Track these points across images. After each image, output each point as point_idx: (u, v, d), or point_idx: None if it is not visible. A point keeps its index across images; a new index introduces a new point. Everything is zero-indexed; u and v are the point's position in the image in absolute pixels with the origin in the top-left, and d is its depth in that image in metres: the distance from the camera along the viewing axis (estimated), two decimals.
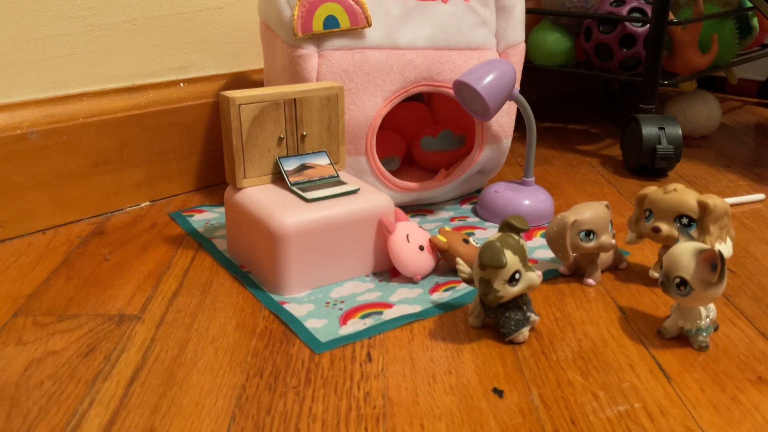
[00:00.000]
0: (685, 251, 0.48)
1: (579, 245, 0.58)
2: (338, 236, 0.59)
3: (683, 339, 0.51)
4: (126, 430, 0.42)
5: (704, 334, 0.49)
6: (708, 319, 0.49)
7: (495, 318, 0.51)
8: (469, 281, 0.52)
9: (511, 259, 0.48)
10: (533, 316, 0.51)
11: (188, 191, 0.85)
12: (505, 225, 0.50)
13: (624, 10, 0.95)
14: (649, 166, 0.89)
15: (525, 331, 0.50)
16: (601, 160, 0.98)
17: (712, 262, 0.46)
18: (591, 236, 0.58)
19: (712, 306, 0.49)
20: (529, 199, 0.73)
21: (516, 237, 0.50)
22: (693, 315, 0.49)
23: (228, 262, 0.64)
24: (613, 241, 0.59)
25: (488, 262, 0.48)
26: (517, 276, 0.49)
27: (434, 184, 0.76)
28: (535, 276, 0.50)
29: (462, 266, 0.52)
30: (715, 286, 0.47)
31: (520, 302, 0.51)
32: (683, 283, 0.47)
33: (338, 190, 0.61)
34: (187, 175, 0.84)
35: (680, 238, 0.50)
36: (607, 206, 0.59)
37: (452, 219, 0.76)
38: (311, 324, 0.54)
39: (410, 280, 0.61)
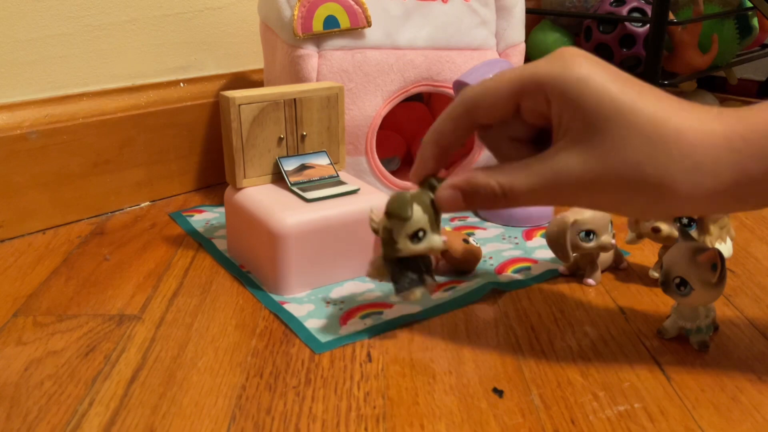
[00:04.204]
0: (685, 251, 0.48)
1: (579, 245, 0.58)
2: (338, 236, 0.59)
3: (683, 339, 0.51)
4: (126, 430, 0.42)
5: (704, 334, 0.49)
6: (708, 319, 0.49)
7: (392, 273, 0.49)
8: (375, 231, 0.50)
9: (418, 215, 0.46)
10: (430, 280, 0.49)
11: (188, 191, 0.85)
12: (425, 183, 0.48)
13: (624, 10, 0.95)
14: None
15: (417, 292, 0.48)
16: None
17: (712, 262, 0.46)
18: (591, 236, 0.58)
19: (712, 306, 0.49)
20: None
21: (432, 196, 0.47)
22: (693, 315, 0.49)
23: (228, 262, 0.65)
24: (613, 241, 0.59)
25: (393, 211, 0.46)
26: (420, 234, 0.47)
27: None
28: (438, 239, 0.47)
29: (373, 215, 0.50)
30: (715, 286, 0.47)
31: (420, 263, 0.49)
32: (683, 283, 0.47)
33: (338, 190, 0.61)
34: (187, 175, 0.84)
35: (680, 238, 0.50)
36: None
37: (452, 219, 0.76)
38: (311, 324, 0.54)
39: None
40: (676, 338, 0.51)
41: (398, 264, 0.49)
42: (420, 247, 0.47)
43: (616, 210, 0.42)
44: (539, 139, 0.44)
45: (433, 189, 0.47)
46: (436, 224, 0.48)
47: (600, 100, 0.38)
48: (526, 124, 0.43)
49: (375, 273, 0.51)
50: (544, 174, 0.40)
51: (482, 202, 0.43)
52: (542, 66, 0.40)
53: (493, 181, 0.42)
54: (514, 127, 0.44)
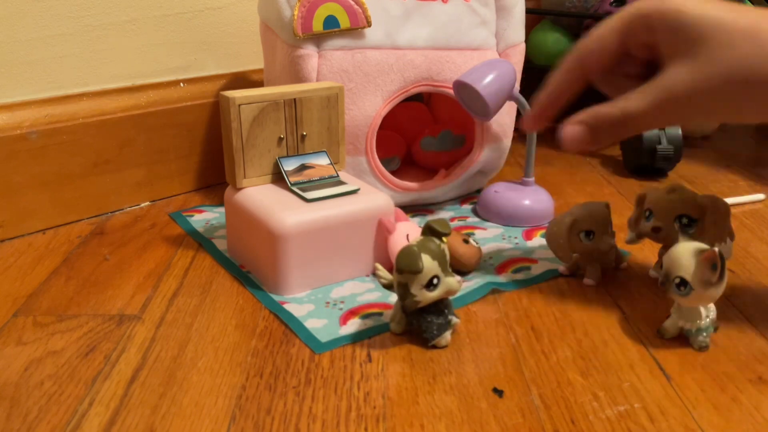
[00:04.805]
0: (685, 251, 0.48)
1: (579, 245, 0.58)
2: (338, 236, 0.59)
3: (683, 339, 0.51)
4: (126, 430, 0.42)
5: (704, 334, 0.49)
6: (708, 319, 0.49)
7: (417, 323, 0.50)
8: (389, 286, 0.51)
9: (429, 263, 0.48)
10: (454, 320, 0.51)
11: (188, 191, 0.85)
12: (426, 229, 0.50)
13: None
14: (649, 166, 0.89)
15: (447, 335, 0.50)
16: (601, 160, 0.98)
17: (713, 262, 0.46)
18: (591, 236, 0.58)
19: (712, 306, 0.49)
20: (529, 199, 0.73)
21: (437, 241, 0.49)
22: (693, 315, 0.49)
23: (228, 262, 0.65)
24: (613, 241, 0.59)
25: (404, 266, 0.47)
26: (435, 281, 0.48)
27: (434, 184, 0.76)
28: (454, 281, 0.49)
29: (381, 272, 0.51)
30: (715, 286, 0.47)
31: (441, 306, 0.50)
32: (683, 283, 0.47)
33: (338, 190, 0.61)
34: (187, 175, 0.84)
35: (680, 238, 0.50)
36: (607, 206, 0.59)
37: (452, 219, 0.76)
38: (311, 324, 0.54)
39: None
40: (676, 338, 0.51)
41: (420, 313, 0.50)
42: (437, 293, 0.49)
43: (732, 116, 0.44)
44: (651, 75, 0.46)
45: (434, 233, 0.49)
46: (446, 266, 0.49)
47: (698, 17, 0.41)
48: (636, 61, 0.46)
49: (398, 328, 0.52)
50: (659, 93, 0.43)
51: (606, 132, 0.46)
52: (642, 2, 0.44)
53: (614, 109, 0.45)
54: (626, 66, 0.47)
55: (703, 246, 0.48)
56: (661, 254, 0.60)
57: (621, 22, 0.45)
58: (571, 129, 0.47)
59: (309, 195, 0.59)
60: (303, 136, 0.63)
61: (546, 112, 0.49)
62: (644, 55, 0.46)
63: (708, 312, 0.49)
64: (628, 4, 0.45)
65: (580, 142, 0.47)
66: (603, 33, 0.46)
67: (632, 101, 0.44)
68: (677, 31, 0.42)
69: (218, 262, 0.65)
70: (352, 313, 0.55)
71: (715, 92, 0.42)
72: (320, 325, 0.53)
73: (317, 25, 0.66)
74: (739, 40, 0.40)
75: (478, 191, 0.83)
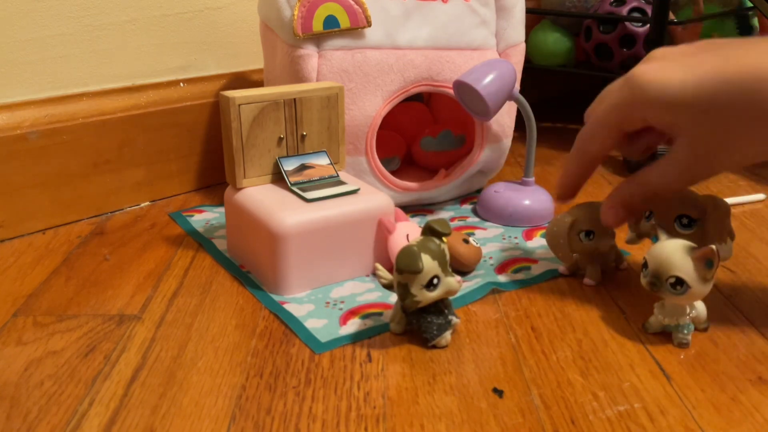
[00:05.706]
0: (676, 250, 0.48)
1: (579, 245, 0.58)
2: (338, 236, 0.59)
3: None
4: (126, 430, 0.42)
5: (684, 331, 0.50)
6: (688, 317, 0.49)
7: (417, 323, 0.50)
8: (389, 286, 0.51)
9: (428, 263, 0.47)
10: (454, 320, 0.51)
11: (188, 191, 0.85)
12: (426, 229, 0.50)
13: (624, 10, 0.95)
14: None
15: (447, 335, 0.50)
16: None
17: (707, 259, 0.47)
18: (591, 236, 0.58)
19: (696, 304, 0.50)
20: (529, 199, 0.73)
21: (437, 241, 0.49)
22: (675, 311, 0.49)
23: (228, 262, 0.65)
24: (613, 241, 0.59)
25: (404, 266, 0.47)
26: (435, 281, 0.48)
27: (434, 184, 0.76)
28: (454, 281, 0.49)
29: (381, 272, 0.51)
30: (709, 282, 0.47)
31: (441, 306, 0.50)
32: (679, 282, 0.47)
33: (338, 190, 0.61)
34: (187, 175, 0.84)
35: (660, 236, 0.50)
36: None
37: (452, 219, 0.76)
38: (311, 324, 0.54)
39: None
40: None
41: (420, 313, 0.50)
42: (437, 293, 0.49)
43: (746, 160, 0.48)
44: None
45: (434, 233, 0.49)
46: (446, 266, 0.49)
47: (681, 107, 0.45)
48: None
49: (398, 328, 0.52)
50: (675, 168, 0.48)
51: (640, 206, 0.53)
52: (617, 95, 0.50)
53: (642, 188, 0.51)
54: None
55: (689, 243, 0.48)
56: None
57: (615, 125, 0.50)
58: (611, 213, 0.53)
59: (309, 195, 0.59)
60: (303, 136, 0.63)
61: (571, 192, 0.57)
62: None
63: (690, 309, 0.49)
64: (613, 94, 0.50)
65: (622, 221, 0.53)
66: (602, 132, 0.51)
67: (654, 178, 0.50)
68: (660, 118, 0.47)
69: (218, 262, 0.65)
70: (352, 313, 0.55)
71: (713, 155, 0.46)
72: (320, 325, 0.53)
73: (317, 25, 0.66)
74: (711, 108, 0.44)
75: (478, 191, 0.83)
